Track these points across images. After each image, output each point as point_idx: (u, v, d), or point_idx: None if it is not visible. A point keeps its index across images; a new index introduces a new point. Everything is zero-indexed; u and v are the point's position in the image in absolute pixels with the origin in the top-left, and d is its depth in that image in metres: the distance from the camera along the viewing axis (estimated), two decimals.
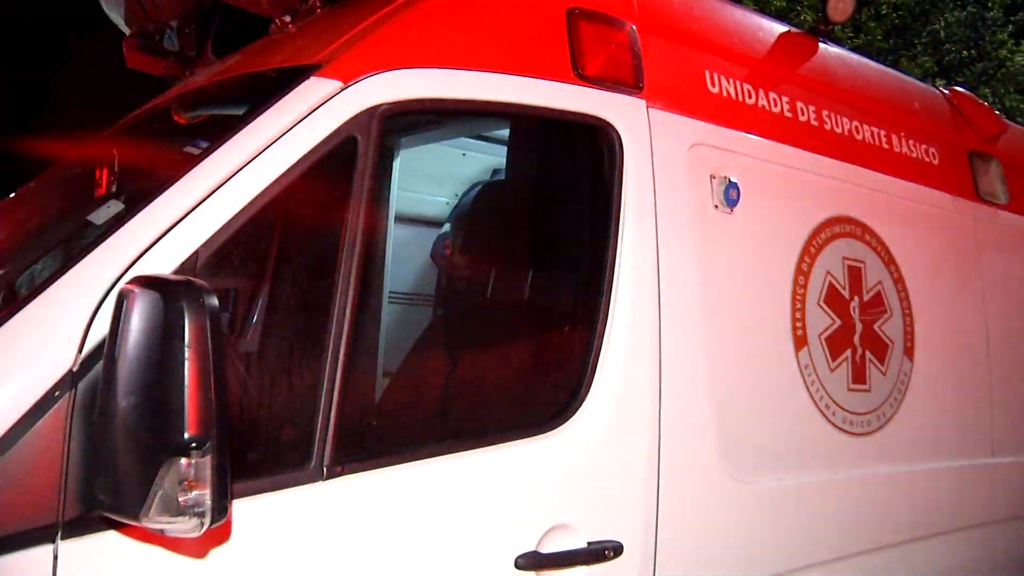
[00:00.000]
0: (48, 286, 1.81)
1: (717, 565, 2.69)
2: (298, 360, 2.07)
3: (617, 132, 2.58)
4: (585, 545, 2.35)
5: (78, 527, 1.70)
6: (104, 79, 3.62)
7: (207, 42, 3.14)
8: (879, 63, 4.11)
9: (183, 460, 1.54)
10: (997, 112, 4.50)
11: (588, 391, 2.41)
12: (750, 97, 3.02)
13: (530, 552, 2.27)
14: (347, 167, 2.10)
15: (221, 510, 1.59)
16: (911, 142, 3.62)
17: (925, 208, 3.62)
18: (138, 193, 2.13)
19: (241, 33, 3.09)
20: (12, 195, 3.10)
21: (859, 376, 3.17)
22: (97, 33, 3.43)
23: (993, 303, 3.81)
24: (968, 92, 4.29)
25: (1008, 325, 3.87)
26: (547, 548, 2.30)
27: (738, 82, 2.99)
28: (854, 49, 9.99)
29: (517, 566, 2.25)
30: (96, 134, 3.12)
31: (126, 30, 3.35)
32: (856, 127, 3.40)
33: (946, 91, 4.15)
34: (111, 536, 1.73)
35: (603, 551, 2.37)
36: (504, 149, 3.95)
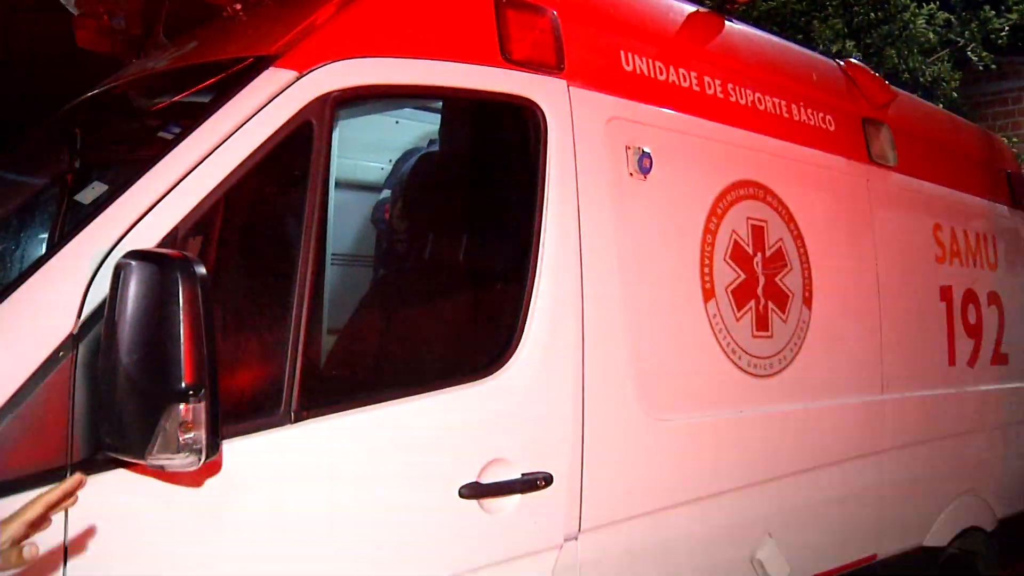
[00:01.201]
0: (47, 260, 2.06)
1: (637, 492, 3.01)
2: (266, 320, 2.35)
3: (541, 109, 2.85)
4: (519, 476, 2.65)
5: (85, 467, 1.96)
6: (53, 57, 3.76)
7: (158, 24, 3.31)
8: (793, 26, 4.43)
9: (182, 405, 1.82)
10: (903, 77, 4.85)
11: (519, 342, 2.69)
12: (661, 73, 3.31)
13: (471, 483, 2.56)
14: (304, 148, 2.36)
15: (214, 447, 1.88)
16: (809, 111, 3.95)
17: (822, 171, 3.94)
18: (117, 175, 2.37)
19: (190, 15, 3.27)
20: None
21: (762, 324, 3.50)
22: (46, 12, 3.57)
23: (883, 255, 4.16)
24: (861, 63, 4.66)
25: (897, 275, 4.23)
26: (486, 479, 2.59)
27: (650, 60, 3.27)
28: (769, 12, 10.36)
29: (460, 495, 2.54)
30: (57, 114, 3.28)
31: (75, 11, 3.49)
32: (759, 98, 3.71)
33: (841, 62, 4.49)
34: (114, 474, 2.00)
35: (535, 481, 2.68)
36: (435, 118, 4.23)
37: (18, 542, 1.62)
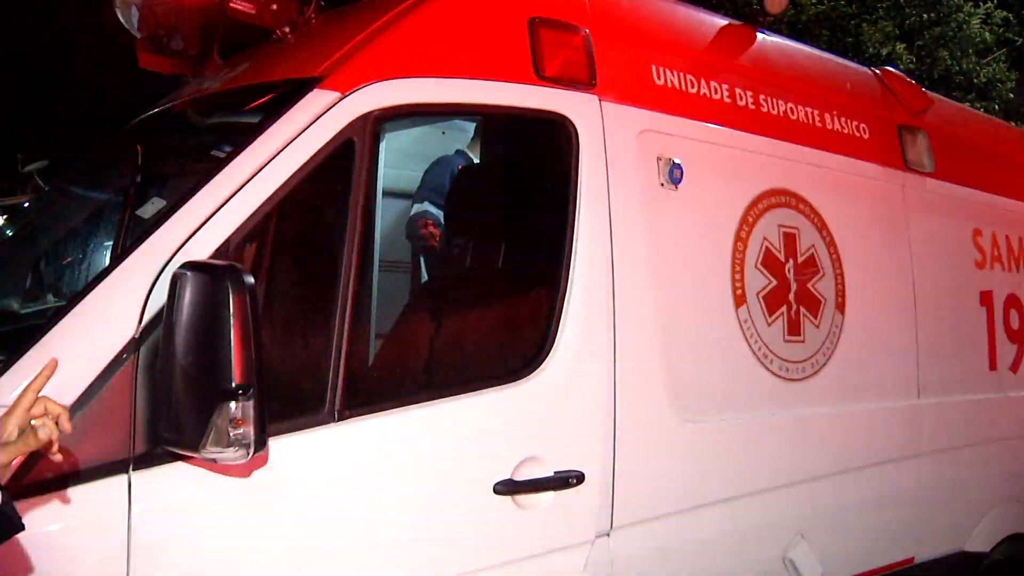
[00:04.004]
0: (111, 271, 2.25)
1: (668, 491, 3.12)
2: (311, 325, 2.51)
3: (573, 124, 2.98)
4: (552, 474, 2.78)
5: (146, 460, 2.16)
6: (117, 76, 3.99)
7: (213, 46, 3.50)
8: (842, 29, 4.45)
9: (232, 403, 2.00)
10: (957, 80, 4.85)
11: (553, 346, 2.82)
12: (692, 86, 3.41)
13: (506, 479, 2.70)
14: (346, 164, 2.53)
15: (261, 442, 2.06)
16: (843, 119, 3.99)
17: (856, 178, 3.98)
18: (175, 190, 2.56)
19: (243, 37, 3.45)
20: (52, 173, 3.48)
21: (794, 329, 3.56)
22: (111, 35, 3.78)
23: (920, 261, 4.18)
24: (897, 71, 4.71)
25: (934, 280, 4.25)
26: (520, 476, 2.72)
27: (681, 73, 3.36)
28: (817, 16, 10.33)
29: (495, 491, 2.68)
30: (120, 131, 3.50)
31: (137, 34, 3.70)
32: (791, 108, 3.77)
33: (877, 71, 4.55)
34: (171, 466, 2.18)
35: (568, 479, 2.80)
36: (470, 126, 4.37)
37: (24, 429, 1.78)
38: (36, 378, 1.83)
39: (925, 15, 10.34)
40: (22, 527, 1.76)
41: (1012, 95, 10.23)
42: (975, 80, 10.14)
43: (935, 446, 4.19)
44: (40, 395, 1.81)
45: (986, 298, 4.65)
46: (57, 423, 1.80)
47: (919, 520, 4.13)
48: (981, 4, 10.49)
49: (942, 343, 4.28)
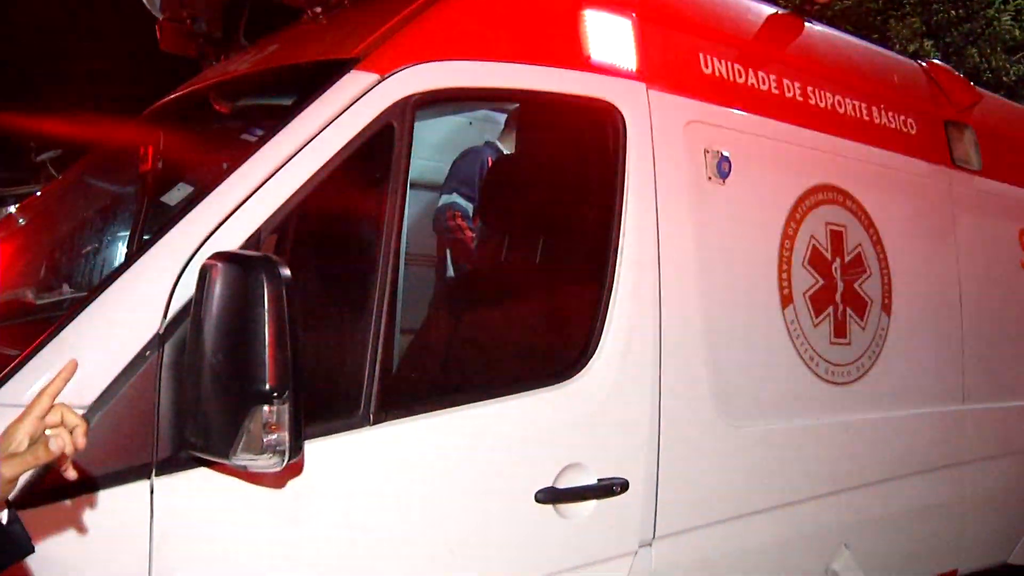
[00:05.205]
0: (134, 262, 2.10)
1: (712, 499, 2.98)
2: (346, 323, 2.37)
3: (620, 113, 2.84)
4: (596, 482, 2.64)
5: (169, 465, 2.00)
6: (138, 59, 3.85)
7: (239, 27, 3.37)
8: (869, 25, 4.35)
9: (265, 407, 1.84)
10: (985, 77, 4.72)
11: (597, 346, 2.68)
12: (740, 76, 3.27)
13: (548, 487, 2.55)
14: (385, 151, 2.38)
15: (297, 448, 1.90)
16: (890, 113, 3.86)
17: (903, 175, 3.85)
18: (202, 177, 2.41)
19: (270, 20, 3.32)
20: (67, 172, 3.35)
21: (840, 331, 3.44)
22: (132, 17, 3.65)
23: (966, 261, 4.05)
24: (945, 64, 4.55)
25: (980, 281, 4.11)
26: (563, 484, 2.58)
27: (729, 63, 3.23)
28: (844, 11, 10.17)
29: (537, 500, 2.53)
30: (143, 115, 3.35)
31: (159, 15, 3.57)
32: (839, 101, 3.64)
33: (924, 63, 4.40)
34: (197, 472, 2.03)
35: (611, 487, 2.66)
36: (498, 117, 4.21)
37: (36, 439, 1.57)
38: (53, 381, 1.61)
39: (953, 11, 10.20)
40: (31, 550, 1.59)
41: None
42: (1004, 78, 9.98)
43: (980, 454, 4.06)
44: (57, 402, 1.60)
45: None
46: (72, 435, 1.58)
47: (963, 531, 4.00)
48: (1011, 0, 10.31)
49: (988, 347, 4.15)
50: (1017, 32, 10.31)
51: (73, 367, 1.64)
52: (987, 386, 4.10)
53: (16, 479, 1.56)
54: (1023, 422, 4.32)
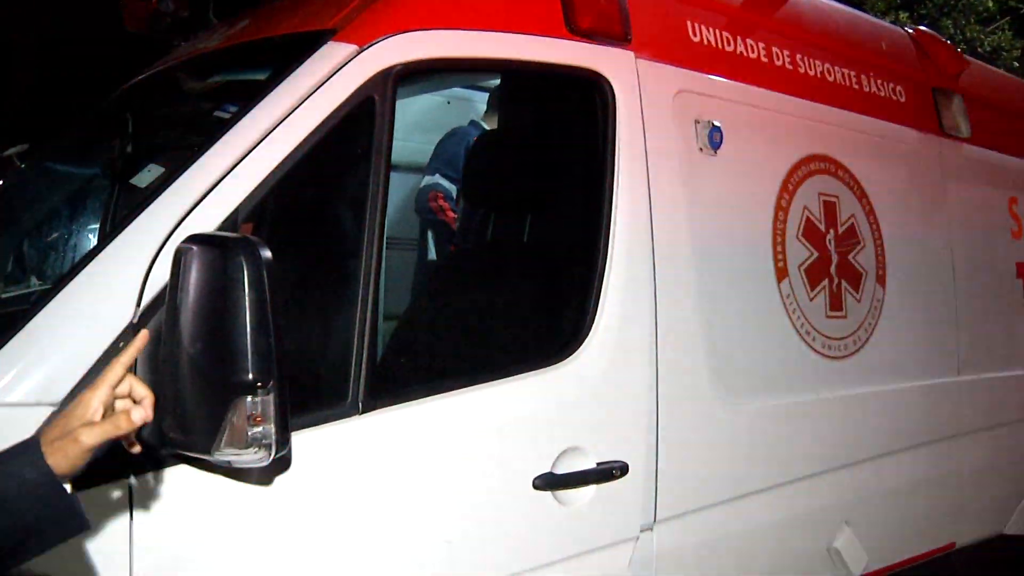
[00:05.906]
0: (104, 247, 1.97)
1: (712, 480, 2.90)
2: (331, 307, 2.25)
3: (608, 82, 2.73)
4: (595, 466, 2.54)
5: (148, 463, 1.88)
6: (102, 41, 3.70)
7: (208, 6, 3.23)
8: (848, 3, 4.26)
9: (249, 398, 1.72)
10: (960, 48, 4.67)
11: (592, 325, 2.57)
12: (729, 44, 3.17)
13: (546, 473, 2.45)
14: (366, 126, 2.25)
15: (284, 441, 1.77)
16: (879, 81, 3.78)
17: (893, 144, 3.78)
18: (174, 157, 2.28)
19: None
20: (32, 154, 3.20)
21: (836, 304, 3.36)
22: None
23: (958, 231, 3.99)
24: (932, 31, 4.47)
25: (972, 250, 4.06)
26: (561, 469, 2.48)
27: (718, 31, 3.13)
28: None
29: (535, 486, 2.43)
30: (110, 97, 3.21)
31: None
32: (828, 69, 3.55)
33: (911, 31, 4.32)
34: (179, 470, 1.92)
35: (611, 471, 2.56)
36: (485, 95, 4.09)
37: (108, 406, 1.56)
38: (125, 351, 1.59)
39: None
40: (88, 525, 1.57)
41: (1017, 63, 10.02)
42: (979, 49, 9.97)
43: (975, 425, 4.00)
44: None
45: (1022, 269, 4.42)
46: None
47: (961, 503, 3.94)
48: None
49: (981, 317, 4.09)
50: (991, 3, 10.30)
51: (145, 337, 1.66)
52: (980, 356, 4.05)
53: (94, 448, 1.52)
54: (1016, 392, 4.27)
